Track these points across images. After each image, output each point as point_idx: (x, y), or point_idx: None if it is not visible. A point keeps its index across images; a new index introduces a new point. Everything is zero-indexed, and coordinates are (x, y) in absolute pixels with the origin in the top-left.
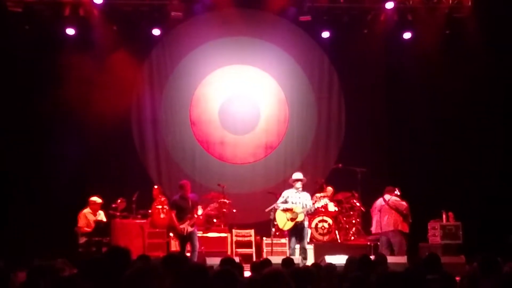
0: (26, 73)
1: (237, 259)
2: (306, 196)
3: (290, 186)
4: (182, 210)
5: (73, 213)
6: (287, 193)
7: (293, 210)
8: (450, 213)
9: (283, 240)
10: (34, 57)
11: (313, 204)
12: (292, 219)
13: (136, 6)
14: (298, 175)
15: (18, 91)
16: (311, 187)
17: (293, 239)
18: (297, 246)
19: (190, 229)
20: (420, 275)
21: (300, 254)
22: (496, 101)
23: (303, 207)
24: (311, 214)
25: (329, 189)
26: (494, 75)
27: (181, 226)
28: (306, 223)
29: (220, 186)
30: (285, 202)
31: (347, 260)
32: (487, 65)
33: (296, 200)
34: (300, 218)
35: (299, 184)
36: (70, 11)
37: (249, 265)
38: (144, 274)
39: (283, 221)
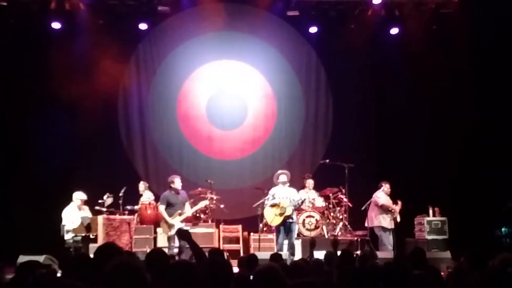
0: (11, 68)
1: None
2: (292, 190)
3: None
4: (172, 205)
5: (59, 209)
6: (273, 190)
7: (281, 205)
8: (436, 208)
9: (271, 236)
10: (19, 52)
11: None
12: (281, 214)
13: (123, 0)
14: (281, 171)
15: (3, 85)
16: (299, 182)
17: (281, 235)
18: (285, 242)
19: (179, 225)
20: (406, 270)
21: (287, 250)
22: (483, 96)
23: (290, 201)
24: (299, 209)
25: (310, 182)
26: (480, 71)
27: (171, 222)
28: (294, 218)
29: (208, 182)
30: (273, 199)
31: (325, 255)
32: (473, 61)
33: (283, 195)
34: (288, 212)
35: (283, 177)
36: (56, 5)
37: (236, 260)
38: (124, 270)
39: (271, 217)
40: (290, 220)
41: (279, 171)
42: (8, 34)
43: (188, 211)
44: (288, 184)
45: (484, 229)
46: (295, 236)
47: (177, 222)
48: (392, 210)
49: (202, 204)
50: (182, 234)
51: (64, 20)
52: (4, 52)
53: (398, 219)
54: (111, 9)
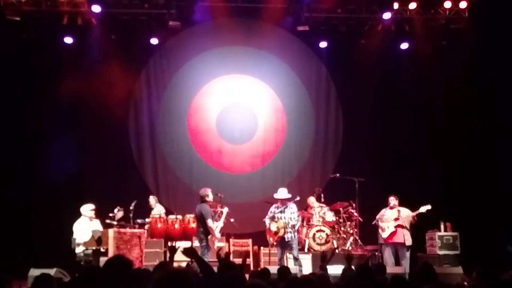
0: (23, 82)
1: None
2: (290, 210)
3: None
4: (213, 217)
5: (70, 222)
6: (273, 208)
7: (277, 224)
8: (448, 223)
9: None
10: (31, 66)
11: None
12: (275, 233)
13: (134, 15)
14: (279, 192)
15: (16, 99)
16: (308, 197)
17: (279, 250)
18: (289, 256)
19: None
20: (416, 285)
21: (294, 264)
22: (492, 111)
23: (284, 223)
24: (308, 225)
25: (311, 199)
26: (490, 86)
27: (218, 235)
28: (290, 236)
29: (218, 195)
30: (273, 217)
31: (343, 270)
32: (483, 76)
33: (279, 216)
34: (281, 233)
35: (278, 195)
36: (68, 20)
37: (248, 275)
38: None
39: (268, 234)
40: (287, 239)
41: (276, 196)
42: (21, 49)
43: (219, 222)
44: (291, 201)
45: (496, 244)
46: (297, 250)
47: (218, 235)
48: (377, 226)
49: (224, 213)
50: (189, 252)
51: (77, 35)
52: (16, 66)
53: (384, 236)
54: (123, 24)
